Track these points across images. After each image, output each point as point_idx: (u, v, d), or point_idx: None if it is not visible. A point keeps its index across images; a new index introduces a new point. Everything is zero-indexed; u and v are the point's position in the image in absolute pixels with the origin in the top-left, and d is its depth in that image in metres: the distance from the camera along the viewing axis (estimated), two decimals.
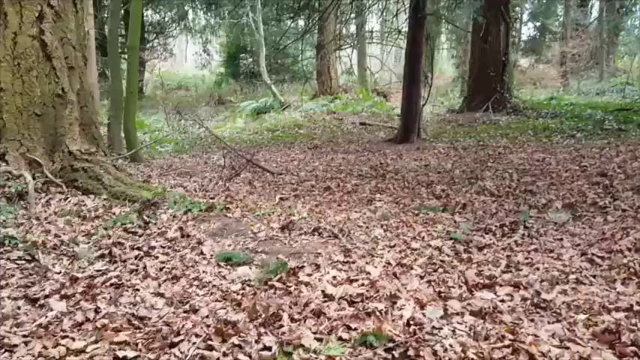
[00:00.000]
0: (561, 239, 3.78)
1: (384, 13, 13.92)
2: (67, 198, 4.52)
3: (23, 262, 3.19)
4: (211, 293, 2.84)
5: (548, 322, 2.46)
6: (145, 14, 21.44)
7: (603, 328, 2.36)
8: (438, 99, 16.94)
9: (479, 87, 13.14)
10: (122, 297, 2.75)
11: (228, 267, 3.24)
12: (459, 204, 4.90)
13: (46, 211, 4.14)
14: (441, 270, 3.19)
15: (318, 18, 12.98)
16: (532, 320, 2.48)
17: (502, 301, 2.71)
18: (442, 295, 2.80)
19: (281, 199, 5.34)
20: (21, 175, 4.32)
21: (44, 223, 3.86)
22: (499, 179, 5.97)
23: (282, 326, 2.42)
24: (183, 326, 2.39)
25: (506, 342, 2.26)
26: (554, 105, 13.28)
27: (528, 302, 2.68)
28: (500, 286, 2.90)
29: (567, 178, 5.86)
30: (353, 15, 12.92)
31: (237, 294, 2.82)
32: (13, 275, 2.99)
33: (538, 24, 21.13)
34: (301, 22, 18.11)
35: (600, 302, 2.64)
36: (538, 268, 3.18)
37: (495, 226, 4.15)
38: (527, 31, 22.70)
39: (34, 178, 4.42)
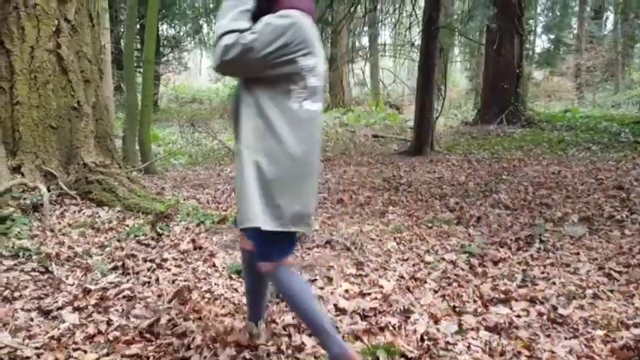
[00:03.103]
0: (578, 253, 3.72)
1: (397, 26, 13.97)
2: (82, 210, 4.55)
3: (37, 273, 3.21)
4: (223, 306, 2.83)
5: (565, 338, 2.42)
6: (160, 29, 21.73)
7: (622, 344, 2.31)
8: (452, 111, 16.89)
9: (493, 99, 13.08)
10: (134, 309, 2.75)
11: (240, 279, 3.23)
12: (474, 217, 4.85)
13: (60, 223, 4.17)
14: (455, 284, 3.15)
15: (331, 31, 13.05)
16: (549, 336, 2.44)
17: (518, 316, 2.67)
18: (457, 309, 2.76)
19: None
20: (36, 187, 4.37)
21: (58, 235, 3.89)
22: (514, 192, 5.91)
23: (295, 340, 2.40)
24: (193, 339, 2.38)
25: (523, 358, 2.22)
26: (569, 117, 13.18)
27: (545, 317, 2.64)
28: (516, 300, 2.86)
29: (583, 191, 5.78)
30: (366, 28, 12.98)
31: None
32: (26, 287, 3.00)
33: (552, 36, 21.04)
34: None
35: (618, 318, 2.58)
36: (554, 283, 3.13)
37: (511, 239, 4.10)
38: (541, 43, 22.64)
39: (49, 190, 4.46)
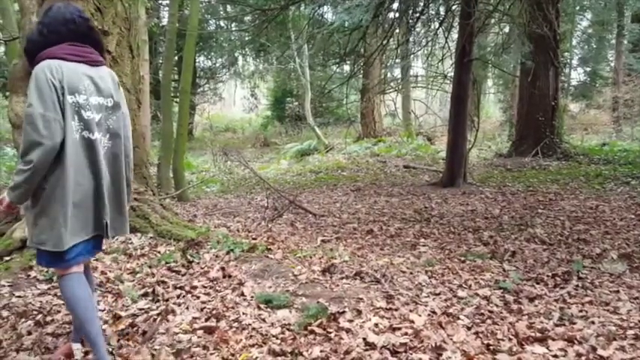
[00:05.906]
0: (618, 291, 3.57)
1: (430, 58, 14.00)
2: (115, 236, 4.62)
3: None
4: (251, 336, 2.80)
5: None
6: (197, 60, 22.37)
7: None
8: (485, 143, 16.71)
9: (527, 131, 12.90)
10: (163, 336, 2.74)
11: (268, 309, 3.20)
12: (508, 251, 4.72)
13: None
14: (489, 321, 3.05)
15: (363, 63, 13.17)
16: None
17: (555, 356, 2.55)
18: (491, 347, 2.67)
19: (323, 241, 5.30)
20: None
21: (92, 260, 3.94)
22: (550, 227, 5.75)
23: None
24: None
25: None
26: (606, 151, 12.86)
27: (583, 359, 2.52)
28: (553, 340, 2.74)
29: (623, 227, 5.59)
30: (398, 60, 13.06)
31: (277, 338, 2.77)
32: (58, 312, 3.04)
33: (588, 69, 20.78)
34: (346, 67, 18.45)
35: None
36: (593, 322, 3.00)
37: (547, 275, 3.97)
38: (577, 75, 22.34)
39: None
